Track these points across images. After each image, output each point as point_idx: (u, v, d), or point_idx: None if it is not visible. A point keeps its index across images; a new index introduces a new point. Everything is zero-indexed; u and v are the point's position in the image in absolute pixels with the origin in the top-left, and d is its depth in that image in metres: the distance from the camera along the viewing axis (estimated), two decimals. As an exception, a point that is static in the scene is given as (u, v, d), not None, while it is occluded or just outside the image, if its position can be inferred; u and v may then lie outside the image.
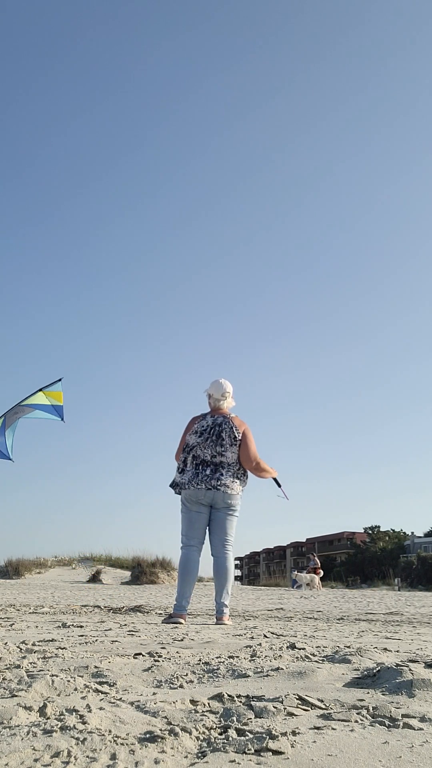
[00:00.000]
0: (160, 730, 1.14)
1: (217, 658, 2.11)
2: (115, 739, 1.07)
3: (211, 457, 4.50)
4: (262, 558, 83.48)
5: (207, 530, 4.58)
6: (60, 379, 7.15)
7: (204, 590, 14.80)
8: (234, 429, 4.55)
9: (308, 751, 1.04)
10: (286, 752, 1.03)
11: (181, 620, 4.27)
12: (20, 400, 7.09)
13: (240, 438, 4.56)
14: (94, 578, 23.73)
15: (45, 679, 1.53)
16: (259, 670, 1.81)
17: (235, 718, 1.24)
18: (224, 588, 4.46)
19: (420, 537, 55.15)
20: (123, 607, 6.92)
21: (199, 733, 1.14)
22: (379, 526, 54.35)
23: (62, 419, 7.04)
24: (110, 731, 1.11)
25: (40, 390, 7.08)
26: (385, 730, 1.18)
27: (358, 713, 1.28)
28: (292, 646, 2.35)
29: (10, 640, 2.66)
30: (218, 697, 1.40)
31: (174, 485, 4.62)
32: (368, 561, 45.34)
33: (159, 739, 1.08)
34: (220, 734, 1.14)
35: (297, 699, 1.37)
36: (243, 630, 3.53)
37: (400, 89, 73.29)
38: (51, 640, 2.64)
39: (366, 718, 1.25)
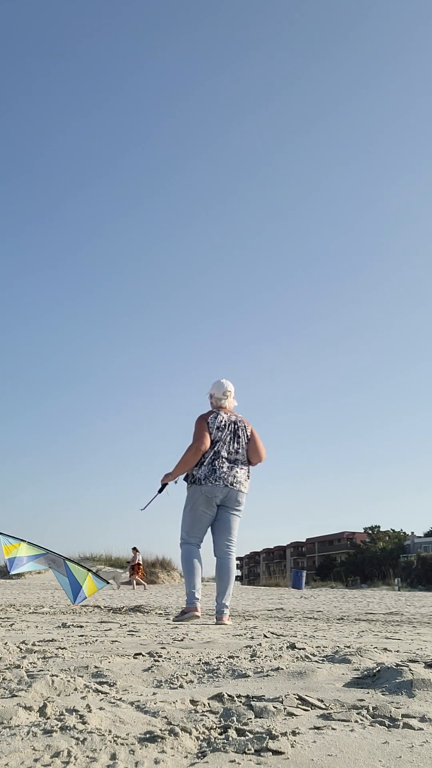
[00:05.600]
0: (160, 730, 1.14)
1: (217, 658, 2.10)
2: (115, 739, 1.07)
3: (228, 454, 4.48)
4: (262, 558, 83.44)
5: (209, 529, 4.54)
6: (108, 582, 7.42)
7: (204, 590, 14.79)
8: (247, 429, 4.61)
9: (308, 751, 1.04)
10: (286, 752, 1.03)
11: (197, 614, 4.20)
12: (71, 558, 7.25)
13: (250, 437, 4.61)
14: (94, 578, 23.70)
15: (45, 679, 1.53)
16: (259, 670, 1.81)
17: (235, 718, 1.24)
18: (226, 589, 4.42)
19: (420, 537, 55.12)
20: (123, 607, 6.91)
21: (199, 733, 1.14)
22: (379, 526, 54.32)
23: (74, 602, 7.13)
24: (110, 731, 1.11)
25: (89, 572, 7.21)
26: (385, 730, 1.18)
27: (358, 713, 1.28)
28: (292, 646, 2.35)
29: (10, 640, 2.65)
30: (218, 697, 1.40)
31: (187, 478, 4.53)
32: (368, 561, 45.32)
33: (159, 739, 1.08)
34: (220, 734, 1.14)
35: (297, 699, 1.37)
36: (243, 630, 3.52)
37: (401, 89, 73.27)
38: (51, 640, 2.64)
39: (366, 718, 1.25)
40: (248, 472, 4.57)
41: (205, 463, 4.45)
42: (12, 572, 7.05)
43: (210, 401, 4.74)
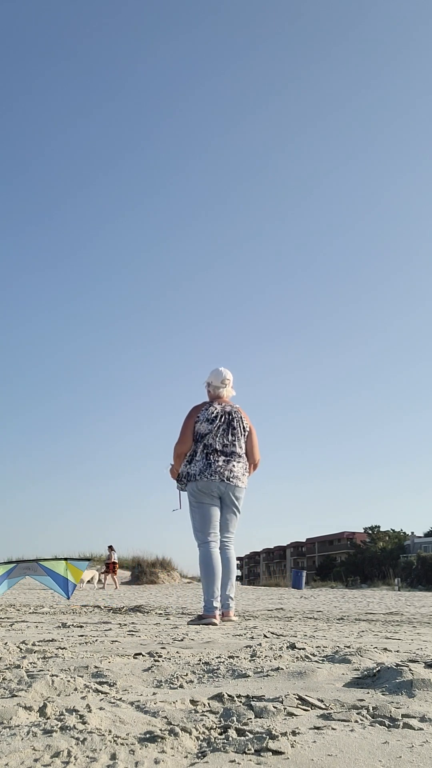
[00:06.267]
0: (160, 730, 1.13)
1: (217, 658, 2.10)
2: (115, 739, 1.07)
3: (222, 446, 4.27)
4: (262, 558, 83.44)
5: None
6: (88, 560, 7.36)
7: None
8: (243, 420, 4.40)
9: (308, 751, 1.04)
10: (286, 752, 1.03)
11: (216, 621, 4.05)
12: (41, 558, 7.17)
13: (248, 431, 4.42)
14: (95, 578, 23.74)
15: (45, 679, 1.53)
16: (259, 670, 1.81)
17: (235, 718, 1.24)
18: (228, 581, 4.28)
19: (420, 537, 55.14)
20: (123, 607, 6.91)
21: (199, 733, 1.14)
22: (379, 526, 54.33)
23: (68, 597, 7.08)
24: (110, 731, 1.11)
25: (66, 560, 7.14)
26: (385, 730, 1.18)
27: (358, 713, 1.28)
28: (292, 646, 2.35)
29: (10, 640, 2.65)
30: (218, 697, 1.40)
31: (179, 478, 4.36)
32: (368, 561, 45.34)
33: (159, 739, 1.08)
34: (220, 734, 1.14)
35: (297, 699, 1.37)
36: (243, 630, 3.52)
37: (401, 89, 73.27)
38: (51, 640, 2.64)
39: (366, 718, 1.25)
40: (246, 466, 4.37)
41: (197, 458, 4.26)
42: None
43: (207, 389, 4.54)
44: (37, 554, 26.37)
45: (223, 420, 4.32)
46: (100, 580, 18.53)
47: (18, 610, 6.11)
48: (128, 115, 68.59)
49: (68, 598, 7.16)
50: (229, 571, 4.34)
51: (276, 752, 1.03)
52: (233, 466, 4.26)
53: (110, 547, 19.15)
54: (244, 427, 4.39)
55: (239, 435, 4.35)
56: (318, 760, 1.00)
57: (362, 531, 57.62)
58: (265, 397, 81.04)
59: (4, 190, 60.93)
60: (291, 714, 1.27)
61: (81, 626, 3.65)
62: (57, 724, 1.14)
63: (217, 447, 4.27)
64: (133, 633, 3.13)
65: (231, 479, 4.23)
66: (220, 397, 4.47)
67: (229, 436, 4.31)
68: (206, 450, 4.26)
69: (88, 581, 18.16)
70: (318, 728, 1.17)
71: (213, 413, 4.32)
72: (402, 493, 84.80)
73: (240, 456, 4.33)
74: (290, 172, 75.42)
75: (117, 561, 19.31)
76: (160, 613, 5.65)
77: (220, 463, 4.23)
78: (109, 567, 18.88)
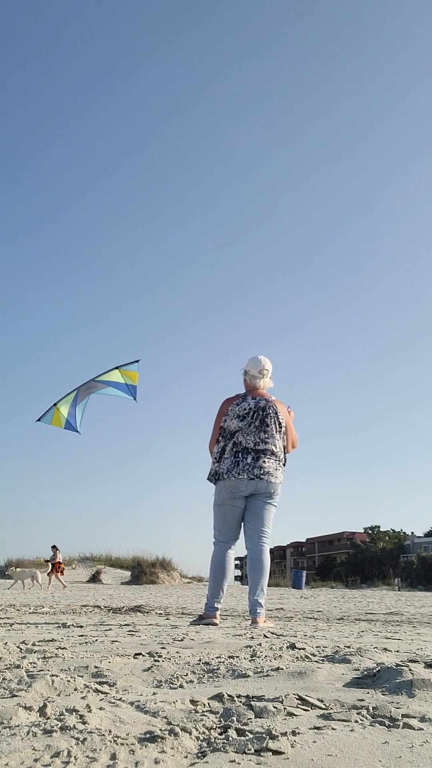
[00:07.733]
0: (160, 730, 1.13)
1: (217, 658, 2.10)
2: (115, 739, 1.07)
3: (254, 444, 4.09)
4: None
5: (242, 523, 4.19)
6: (137, 361, 7.11)
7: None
8: (279, 415, 4.19)
9: (308, 751, 1.04)
10: (286, 752, 1.03)
11: (216, 621, 3.98)
12: (95, 375, 6.98)
13: (285, 425, 4.24)
14: (94, 578, 23.81)
15: (45, 679, 1.53)
16: (259, 670, 1.81)
17: (235, 718, 1.24)
18: (258, 583, 4.03)
19: (420, 537, 55.15)
20: (123, 607, 6.92)
21: (199, 733, 1.14)
22: (379, 526, 54.32)
23: (134, 398, 6.91)
24: (110, 731, 1.11)
25: (116, 368, 6.95)
26: (385, 730, 1.18)
27: (358, 713, 1.28)
28: (292, 646, 2.35)
29: (10, 640, 2.65)
30: (218, 697, 1.40)
31: (210, 476, 4.22)
32: (368, 561, 45.36)
33: (159, 739, 1.08)
34: (220, 734, 1.14)
35: (297, 699, 1.37)
36: (243, 630, 3.52)
37: (400, 90, 73.29)
38: (51, 640, 2.64)
39: (366, 718, 1.25)
40: (279, 461, 4.17)
41: (226, 456, 4.11)
42: (79, 429, 6.86)
43: (243, 378, 4.35)
44: (36, 555, 26.40)
45: (255, 417, 4.14)
46: (35, 579, 18.30)
47: (18, 610, 6.11)
48: (128, 115, 68.64)
49: (135, 400, 7.00)
50: (259, 572, 4.07)
51: (276, 752, 1.03)
52: (263, 462, 4.08)
53: (54, 547, 18.92)
54: (279, 423, 4.19)
55: (273, 432, 4.15)
56: (318, 760, 1.00)
57: (362, 531, 57.59)
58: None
59: (4, 190, 60.95)
60: (291, 714, 1.27)
61: (81, 626, 3.65)
62: (57, 724, 1.14)
63: (248, 445, 4.10)
64: (133, 633, 3.13)
65: (262, 476, 4.06)
66: (256, 388, 4.29)
67: (262, 434, 4.12)
68: (236, 448, 4.11)
69: (32, 578, 18.04)
70: (318, 728, 1.17)
71: (245, 409, 4.14)
72: (402, 493, 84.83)
73: (273, 453, 4.13)
74: (290, 171, 75.44)
75: (62, 561, 19.13)
76: (160, 613, 5.65)
77: (249, 461, 4.06)
78: (55, 567, 18.70)
